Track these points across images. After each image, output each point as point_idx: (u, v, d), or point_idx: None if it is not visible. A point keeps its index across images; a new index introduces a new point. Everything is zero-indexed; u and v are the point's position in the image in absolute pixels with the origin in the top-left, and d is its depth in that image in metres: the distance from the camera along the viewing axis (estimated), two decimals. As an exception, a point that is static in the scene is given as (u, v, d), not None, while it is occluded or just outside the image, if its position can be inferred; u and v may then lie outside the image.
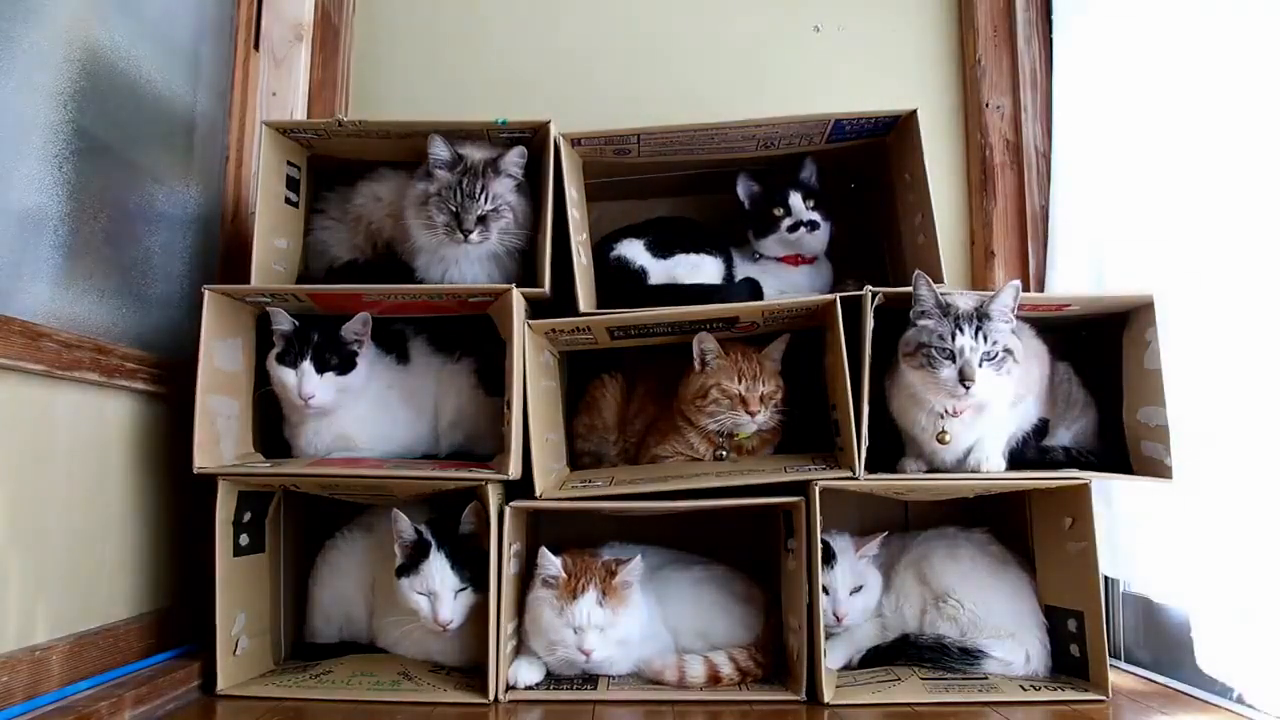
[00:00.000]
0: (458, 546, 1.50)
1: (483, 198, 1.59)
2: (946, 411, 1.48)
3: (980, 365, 1.42)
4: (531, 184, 1.69)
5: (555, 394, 1.70)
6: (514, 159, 1.63)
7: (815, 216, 1.76)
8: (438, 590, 1.46)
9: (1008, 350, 1.45)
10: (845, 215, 1.86)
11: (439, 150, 1.61)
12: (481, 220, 1.59)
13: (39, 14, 1.35)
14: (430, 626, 1.47)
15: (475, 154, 1.63)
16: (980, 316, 1.44)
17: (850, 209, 1.89)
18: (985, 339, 1.43)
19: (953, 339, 1.43)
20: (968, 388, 1.41)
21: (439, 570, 1.47)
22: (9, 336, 1.18)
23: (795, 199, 1.76)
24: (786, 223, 1.76)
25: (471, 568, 1.48)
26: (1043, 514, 1.62)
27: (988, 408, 1.48)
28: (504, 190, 1.62)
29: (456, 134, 1.65)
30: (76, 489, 1.37)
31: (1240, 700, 1.37)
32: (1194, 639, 1.46)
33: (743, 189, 1.80)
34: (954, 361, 1.43)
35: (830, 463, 1.52)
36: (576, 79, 2.04)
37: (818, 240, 1.79)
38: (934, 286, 1.48)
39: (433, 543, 1.49)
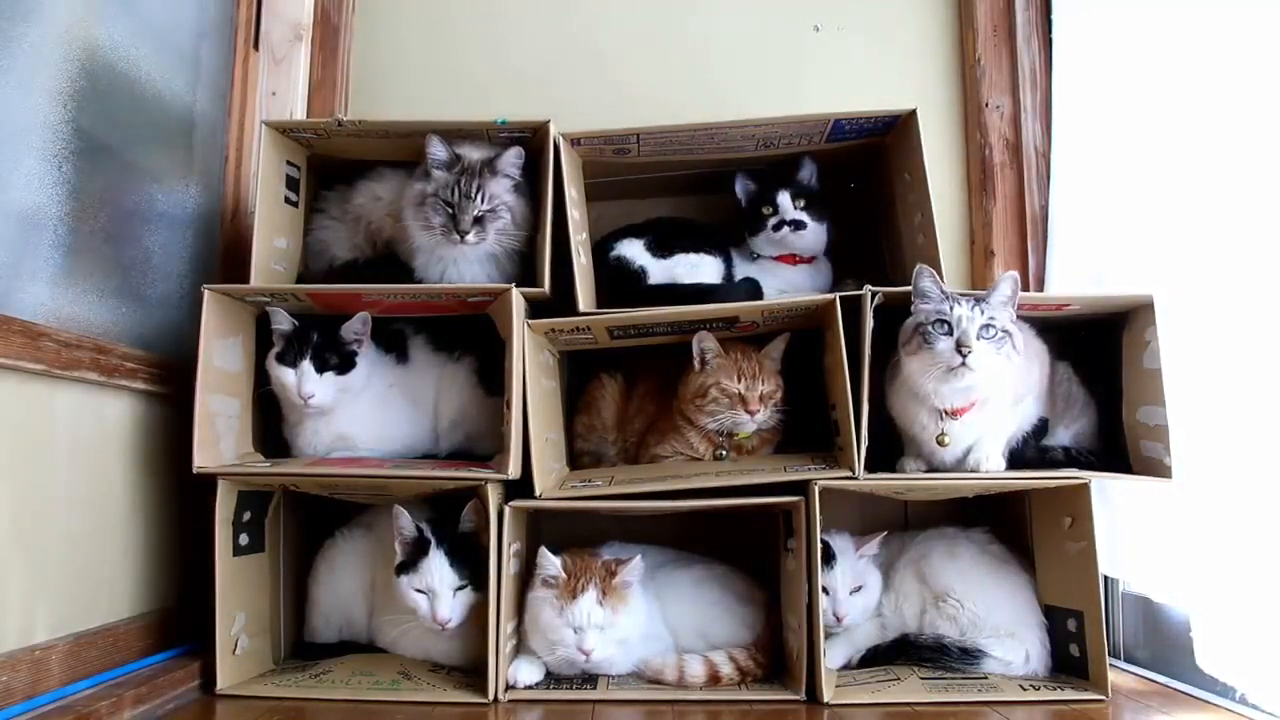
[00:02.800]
0: (457, 545, 1.50)
1: (479, 198, 1.59)
2: (945, 412, 1.48)
3: (978, 338, 1.41)
4: (531, 184, 1.69)
5: (555, 394, 1.70)
6: (511, 159, 1.63)
7: (802, 216, 1.75)
8: (436, 588, 1.46)
9: (1006, 331, 1.44)
10: (845, 215, 1.86)
11: (436, 150, 1.61)
12: (478, 221, 1.59)
13: (39, 14, 1.35)
14: (429, 625, 1.47)
15: (473, 154, 1.63)
16: (978, 300, 1.45)
17: (850, 209, 1.89)
18: (982, 313, 1.43)
19: (950, 311, 1.43)
20: (964, 355, 1.39)
21: (438, 568, 1.47)
22: (9, 336, 1.18)
23: (784, 198, 1.75)
24: (772, 221, 1.75)
25: (471, 566, 1.48)
26: (1042, 514, 1.61)
27: (988, 404, 1.48)
28: (501, 190, 1.62)
29: (456, 134, 1.65)
30: (76, 489, 1.37)
31: (1244, 700, 1.37)
32: (1194, 639, 1.46)
33: (740, 188, 1.81)
34: (951, 334, 1.42)
35: (830, 462, 1.52)
36: (576, 79, 2.04)
37: (804, 240, 1.78)
38: (938, 279, 1.47)
39: (432, 540, 1.49)
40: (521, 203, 1.65)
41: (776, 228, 1.75)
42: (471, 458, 1.66)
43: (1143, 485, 1.54)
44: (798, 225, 1.75)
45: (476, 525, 1.52)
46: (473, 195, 1.58)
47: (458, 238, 1.58)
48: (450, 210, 1.59)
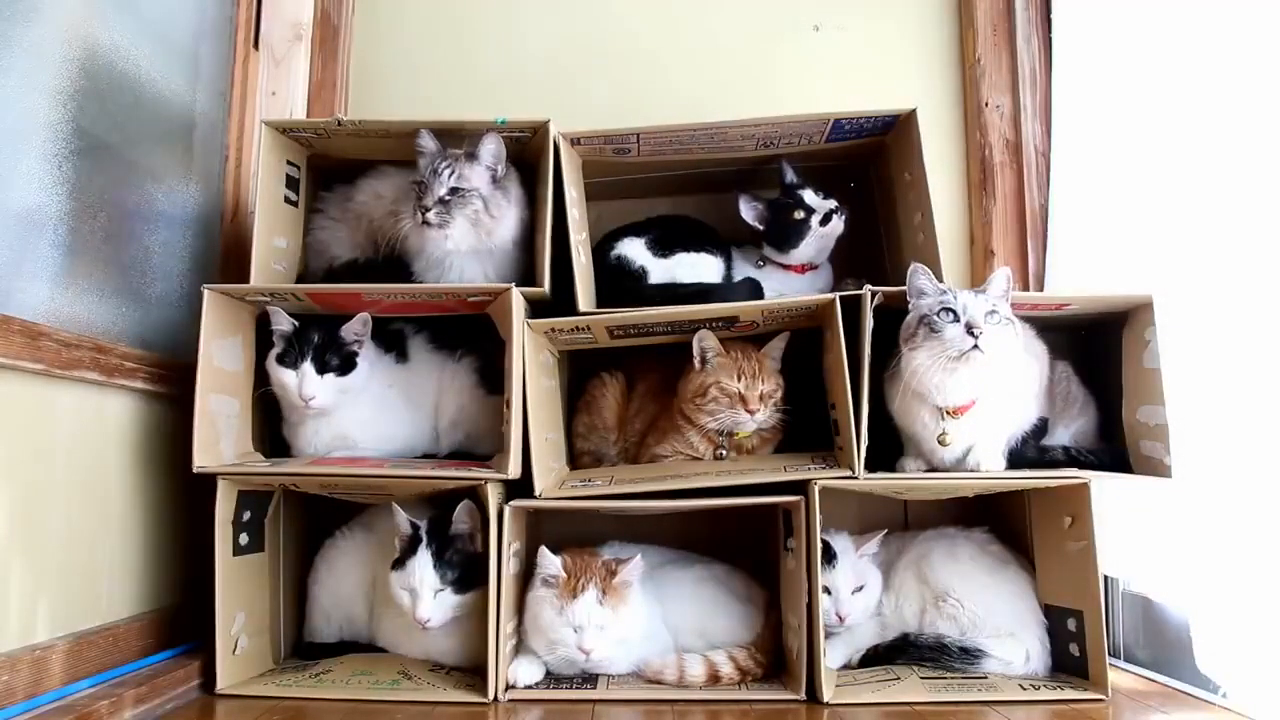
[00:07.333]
0: (445, 546, 1.49)
1: (446, 174, 1.56)
2: (947, 411, 1.48)
3: (985, 321, 1.42)
4: (529, 184, 1.68)
5: (555, 393, 1.70)
6: (490, 147, 1.60)
7: (834, 202, 1.74)
8: (417, 588, 1.46)
9: (1009, 319, 1.45)
10: (845, 215, 1.85)
11: (424, 142, 1.61)
12: (443, 204, 1.55)
13: (39, 14, 1.35)
14: (412, 622, 1.48)
15: (458, 149, 1.62)
16: (977, 292, 1.46)
17: (850, 209, 1.89)
18: (986, 301, 1.44)
19: (955, 300, 1.44)
20: (976, 336, 1.40)
21: (421, 568, 1.47)
22: (8, 335, 1.18)
23: (809, 194, 1.74)
24: (817, 218, 1.72)
25: (457, 569, 1.48)
26: (1042, 513, 1.61)
27: (989, 403, 1.48)
28: (475, 177, 1.59)
29: (455, 133, 1.64)
30: (76, 488, 1.37)
31: (1226, 698, 1.37)
32: (1194, 639, 1.46)
33: (749, 211, 1.76)
34: (958, 320, 1.42)
35: (830, 462, 1.52)
36: (577, 79, 2.04)
37: (841, 227, 1.75)
38: (932, 276, 1.48)
39: (422, 540, 1.49)
40: (499, 196, 1.61)
41: (824, 221, 1.72)
42: (471, 457, 1.66)
43: (1143, 485, 1.54)
44: (840, 211, 1.73)
45: (470, 527, 1.51)
46: (440, 172, 1.56)
47: (419, 219, 1.55)
48: (419, 195, 1.57)
